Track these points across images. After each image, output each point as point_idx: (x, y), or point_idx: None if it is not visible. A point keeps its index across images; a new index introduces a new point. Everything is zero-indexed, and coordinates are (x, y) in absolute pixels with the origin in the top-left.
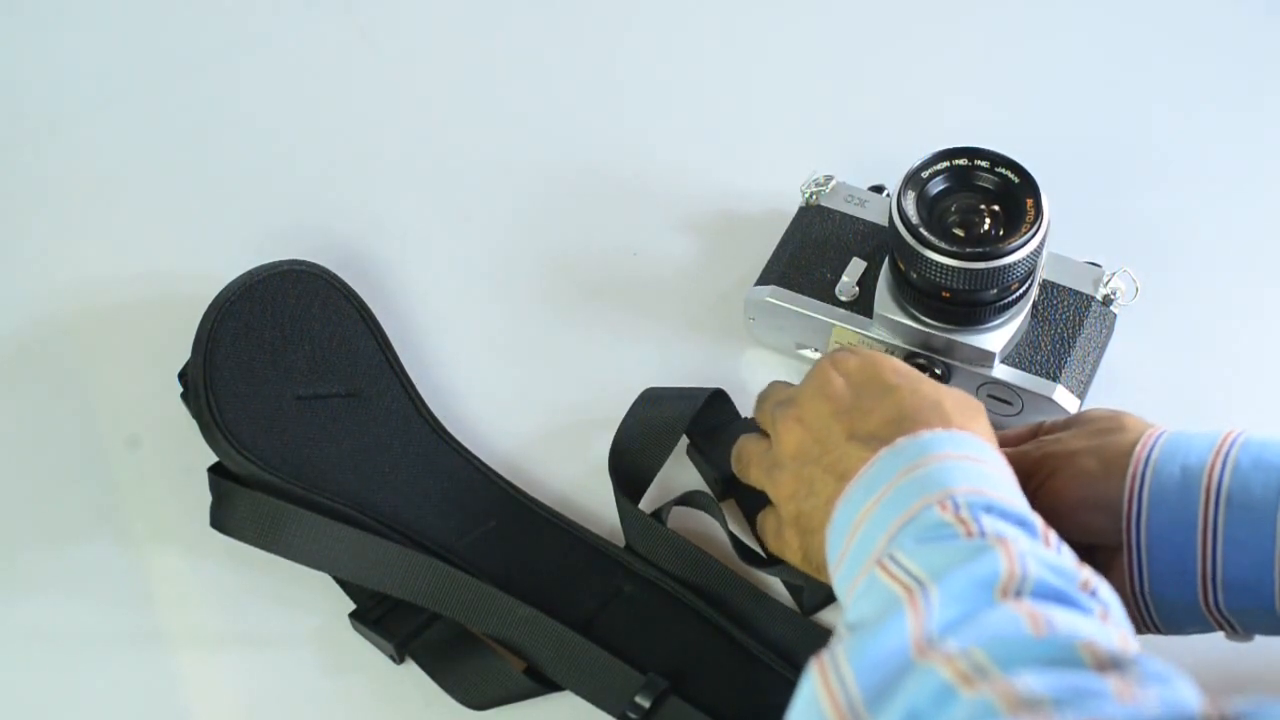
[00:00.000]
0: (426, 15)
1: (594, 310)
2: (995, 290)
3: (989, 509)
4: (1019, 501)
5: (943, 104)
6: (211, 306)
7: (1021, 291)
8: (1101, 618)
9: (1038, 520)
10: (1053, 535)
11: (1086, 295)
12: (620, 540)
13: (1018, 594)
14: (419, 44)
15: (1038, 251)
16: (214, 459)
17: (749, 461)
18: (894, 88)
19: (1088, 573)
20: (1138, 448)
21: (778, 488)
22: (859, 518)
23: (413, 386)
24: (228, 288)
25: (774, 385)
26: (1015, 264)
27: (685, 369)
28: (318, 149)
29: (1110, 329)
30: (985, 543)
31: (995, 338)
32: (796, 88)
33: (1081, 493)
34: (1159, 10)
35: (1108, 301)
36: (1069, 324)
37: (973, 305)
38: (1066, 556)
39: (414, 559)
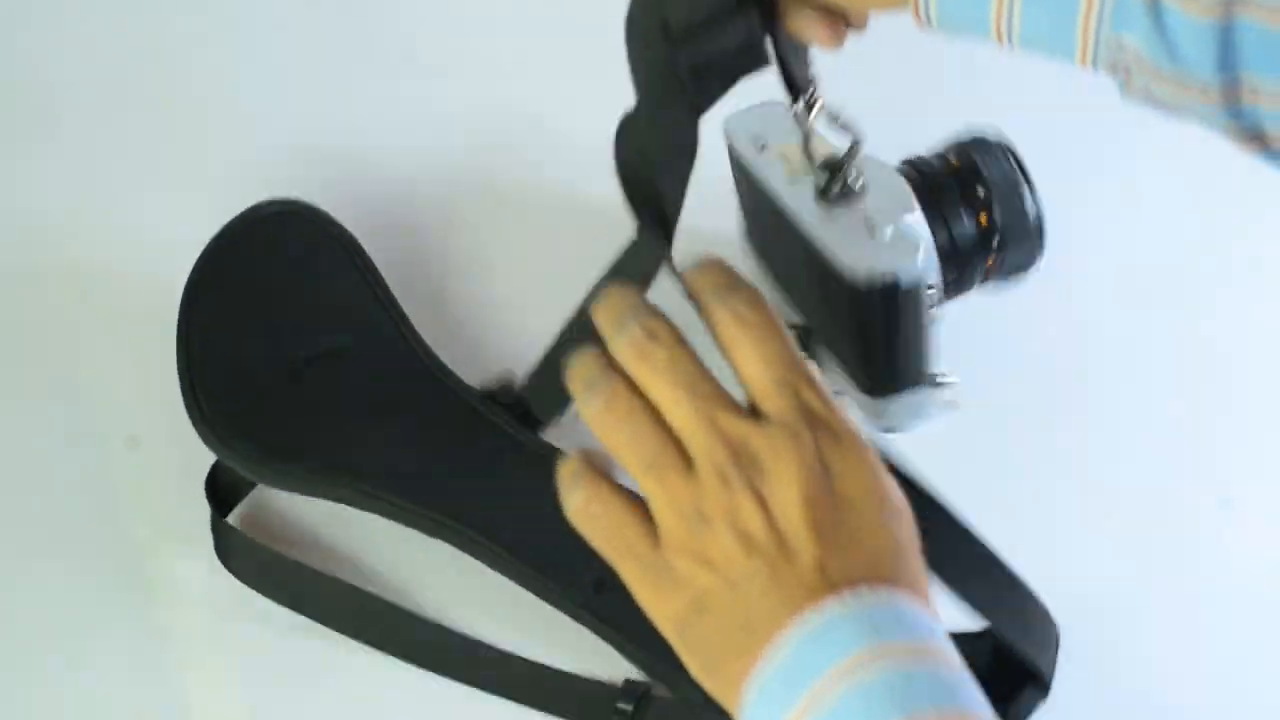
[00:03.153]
0: None
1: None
2: None
3: None
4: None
5: None
6: (185, 290)
7: None
8: None
9: None
10: None
11: None
12: None
13: None
14: None
15: None
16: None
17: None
18: None
19: None
20: None
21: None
22: (815, 688)
23: (412, 330)
24: (198, 259)
25: (693, 275)
26: None
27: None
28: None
29: None
30: None
31: None
32: None
33: None
34: None
35: None
36: None
37: None
38: None
39: (402, 616)
